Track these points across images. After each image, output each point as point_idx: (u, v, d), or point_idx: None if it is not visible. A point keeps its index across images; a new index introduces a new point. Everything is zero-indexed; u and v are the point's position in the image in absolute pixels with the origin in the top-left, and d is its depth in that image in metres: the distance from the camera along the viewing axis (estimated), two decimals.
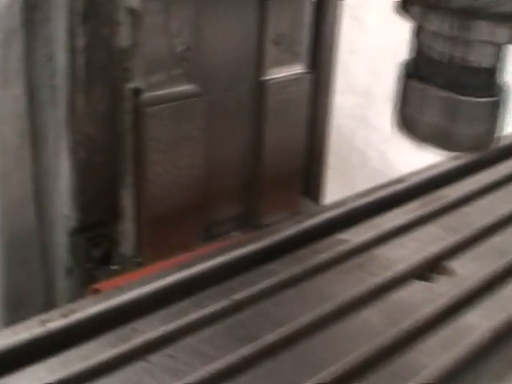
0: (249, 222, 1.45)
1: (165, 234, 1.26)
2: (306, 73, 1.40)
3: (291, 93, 1.39)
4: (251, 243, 0.92)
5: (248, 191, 1.42)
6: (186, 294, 0.82)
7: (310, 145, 1.55)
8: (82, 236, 1.29)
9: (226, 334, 0.75)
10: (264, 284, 0.84)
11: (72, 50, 1.15)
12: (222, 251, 0.90)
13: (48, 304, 1.37)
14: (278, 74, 1.36)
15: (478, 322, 0.80)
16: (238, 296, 0.82)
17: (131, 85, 1.21)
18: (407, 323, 0.78)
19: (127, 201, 1.29)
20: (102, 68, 1.19)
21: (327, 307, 0.81)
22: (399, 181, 1.14)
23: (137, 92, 1.20)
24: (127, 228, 1.31)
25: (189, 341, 0.74)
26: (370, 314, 0.81)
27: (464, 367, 0.74)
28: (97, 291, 0.97)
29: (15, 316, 1.33)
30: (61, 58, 1.17)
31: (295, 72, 1.39)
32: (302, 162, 1.47)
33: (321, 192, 1.63)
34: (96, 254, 1.28)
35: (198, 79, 1.23)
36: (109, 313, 0.78)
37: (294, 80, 1.38)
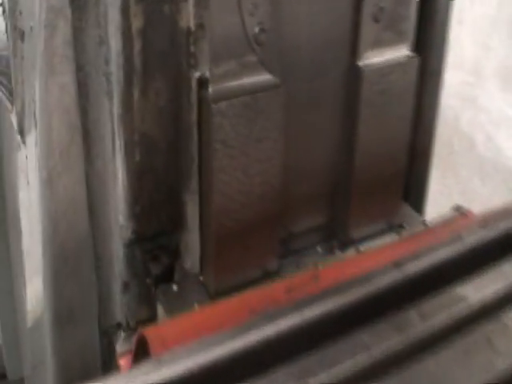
0: (336, 234, 1.21)
1: (234, 250, 1.05)
2: (412, 56, 1.14)
3: (393, 81, 1.13)
4: (333, 297, 0.69)
5: (335, 198, 1.18)
6: (244, 375, 0.61)
7: (413, 142, 1.30)
8: (139, 248, 1.11)
9: None
10: (351, 364, 0.62)
11: (127, 33, 0.95)
12: (294, 307, 0.67)
13: (103, 320, 1.20)
14: (378, 57, 1.10)
15: None
16: (316, 382, 0.60)
17: (196, 74, 0.99)
18: None
19: (191, 209, 1.09)
20: (162, 54, 0.99)
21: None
22: None
23: (202, 83, 0.98)
24: (191, 240, 1.11)
25: None
26: None
27: None
28: (139, 342, 0.77)
29: (65, 332, 1.17)
30: (114, 42, 0.97)
31: (399, 55, 1.13)
32: (403, 163, 1.22)
33: (424, 198, 1.37)
34: (155, 269, 1.10)
35: (275, 67, 1.00)
36: None
37: (397, 65, 1.12)
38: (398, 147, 1.19)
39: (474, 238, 0.82)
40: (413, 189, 1.37)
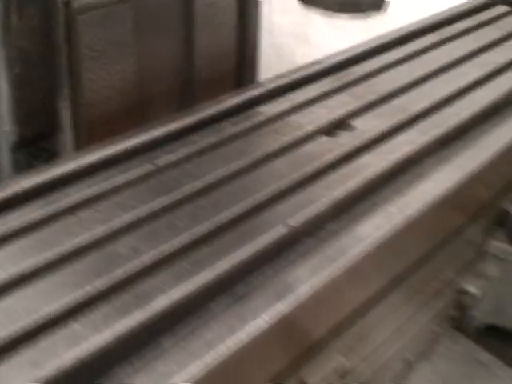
0: None
1: (103, 134, 1.29)
2: None
3: None
4: (175, 121, 0.97)
5: (183, 93, 1.45)
6: (113, 166, 0.87)
7: (241, 53, 1.58)
8: (23, 151, 1.32)
9: (148, 191, 0.80)
10: (185, 151, 0.89)
11: None
12: (146, 129, 0.94)
13: None
14: None
15: (372, 163, 0.86)
16: (161, 161, 0.87)
17: None
18: (310, 167, 0.84)
19: (65, 113, 1.32)
20: None
21: (242, 162, 0.86)
22: (316, 63, 1.19)
23: (67, 3, 1.21)
24: (64, 140, 1.34)
25: (114, 199, 0.79)
26: (280, 164, 0.86)
27: (357, 199, 0.80)
28: None
29: None
30: None
31: None
32: (233, 65, 1.51)
33: None
34: (37, 163, 1.31)
35: None
36: (43, 185, 0.82)
37: None
38: (228, 51, 1.48)
39: (273, 83, 1.11)
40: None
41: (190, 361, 0.55)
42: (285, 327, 0.62)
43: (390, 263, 0.78)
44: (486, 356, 0.95)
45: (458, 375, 0.91)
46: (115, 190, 0.81)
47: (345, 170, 0.85)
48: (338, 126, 0.96)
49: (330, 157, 0.87)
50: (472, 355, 0.94)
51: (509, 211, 0.98)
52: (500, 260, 0.97)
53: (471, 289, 0.95)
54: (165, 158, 0.87)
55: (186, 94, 1.44)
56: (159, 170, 0.85)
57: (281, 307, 0.61)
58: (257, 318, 0.60)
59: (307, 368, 0.69)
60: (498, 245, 0.98)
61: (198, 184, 0.81)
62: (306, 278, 0.65)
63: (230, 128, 0.96)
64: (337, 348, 0.72)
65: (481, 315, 1.00)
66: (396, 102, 1.04)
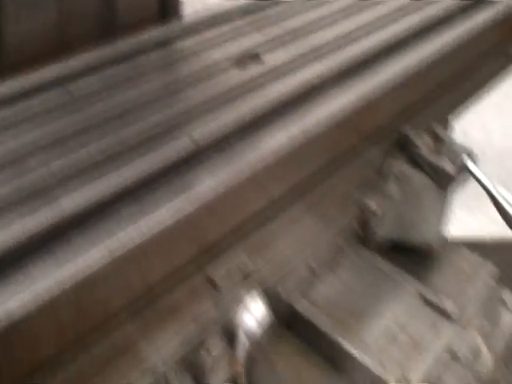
0: None
1: None
2: None
3: None
4: (93, 54, 1.01)
5: (105, 36, 1.47)
6: (30, 95, 0.90)
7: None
8: None
9: (64, 117, 0.84)
10: (101, 82, 0.93)
11: None
12: (64, 61, 0.98)
13: None
14: None
15: (278, 89, 0.92)
16: (77, 92, 0.91)
17: None
18: (219, 92, 0.90)
19: None
20: None
21: (155, 91, 0.91)
22: (232, 4, 1.24)
23: None
24: None
25: (30, 124, 0.82)
26: (191, 91, 0.91)
27: (261, 119, 0.86)
28: None
29: None
30: None
31: None
32: (155, 6, 1.53)
33: None
34: None
35: None
36: None
37: None
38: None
39: (192, 17, 1.15)
40: None
41: (93, 248, 0.60)
42: (187, 223, 0.68)
43: (291, 174, 0.84)
44: (389, 267, 1.03)
45: (362, 283, 1.00)
46: (31, 117, 0.84)
47: (252, 95, 0.90)
48: (249, 59, 1.02)
49: (239, 84, 0.93)
50: (376, 266, 1.03)
51: (408, 135, 1.05)
52: (400, 180, 1.05)
53: (373, 206, 1.03)
54: (81, 89, 0.91)
55: (109, 36, 1.46)
56: (75, 99, 0.89)
57: (182, 203, 0.67)
58: (159, 213, 0.65)
59: (212, 265, 0.75)
60: (398, 166, 1.05)
61: (111, 110, 0.86)
62: (208, 182, 0.71)
63: (146, 62, 1.00)
64: (241, 251, 0.79)
65: (383, 231, 1.08)
66: (305, 39, 1.10)
